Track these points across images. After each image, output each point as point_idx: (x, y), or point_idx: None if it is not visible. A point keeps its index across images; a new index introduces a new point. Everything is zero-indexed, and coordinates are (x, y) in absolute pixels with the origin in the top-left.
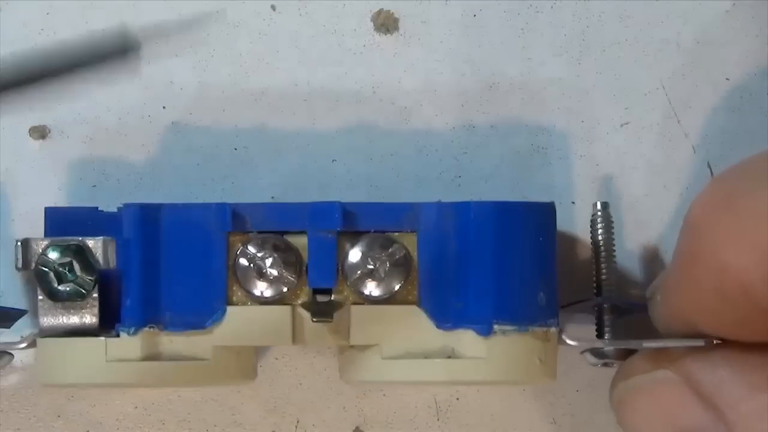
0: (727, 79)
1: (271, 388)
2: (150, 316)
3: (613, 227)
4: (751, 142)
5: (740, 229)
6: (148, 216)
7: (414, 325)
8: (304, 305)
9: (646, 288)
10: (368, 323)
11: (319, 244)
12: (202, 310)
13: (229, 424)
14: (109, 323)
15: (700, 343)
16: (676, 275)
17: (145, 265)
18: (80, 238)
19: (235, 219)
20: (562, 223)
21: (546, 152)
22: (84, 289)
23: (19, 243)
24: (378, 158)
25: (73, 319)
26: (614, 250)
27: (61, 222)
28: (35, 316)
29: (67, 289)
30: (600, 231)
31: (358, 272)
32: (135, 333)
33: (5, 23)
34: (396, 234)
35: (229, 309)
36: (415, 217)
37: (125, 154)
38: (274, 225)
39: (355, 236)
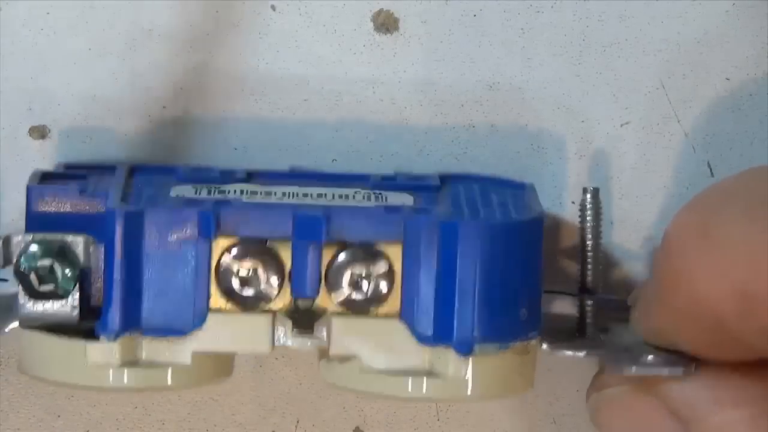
0: (727, 79)
1: (271, 388)
2: (130, 321)
3: (602, 215)
4: (751, 142)
5: (714, 261)
6: (131, 221)
7: (395, 339)
8: (285, 313)
9: (635, 287)
10: (349, 335)
11: (303, 255)
12: (182, 316)
13: (229, 424)
14: (89, 314)
15: (679, 371)
16: (653, 294)
17: (127, 272)
18: (62, 236)
19: (219, 225)
20: (560, 224)
21: (546, 152)
22: (65, 289)
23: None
24: (378, 158)
25: (54, 311)
26: (601, 240)
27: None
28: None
29: (48, 289)
30: (588, 219)
31: (342, 282)
32: (115, 339)
33: (5, 23)
34: (382, 243)
35: (210, 315)
36: (402, 229)
37: (125, 154)
38: (258, 231)
39: (341, 243)
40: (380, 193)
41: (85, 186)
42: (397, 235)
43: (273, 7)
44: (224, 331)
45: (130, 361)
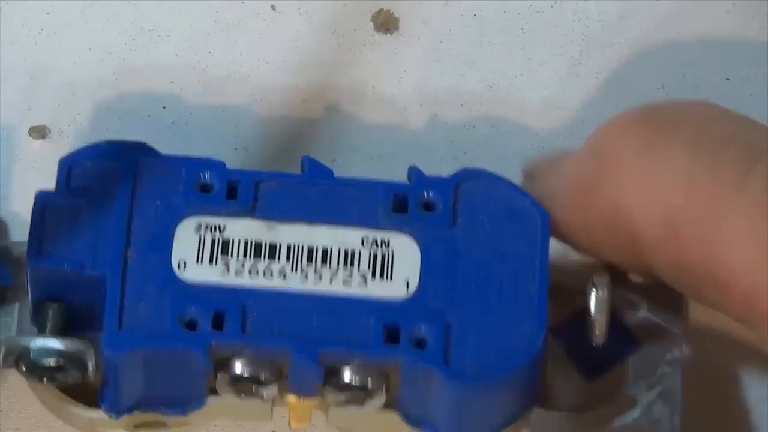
0: (727, 79)
1: None
2: (131, 406)
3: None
4: None
5: (650, 179)
6: (129, 354)
7: (389, 425)
8: (284, 397)
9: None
10: (345, 419)
11: (300, 380)
12: (183, 401)
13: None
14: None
15: None
16: (566, 184)
17: (128, 377)
18: (62, 345)
19: (216, 356)
20: None
21: (546, 152)
22: (67, 377)
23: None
24: (378, 158)
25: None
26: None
27: (45, 283)
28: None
29: (52, 381)
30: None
31: (339, 392)
32: (117, 419)
33: (5, 23)
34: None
35: (210, 398)
36: (398, 367)
37: None
38: (255, 359)
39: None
40: (385, 243)
41: (84, 257)
42: (396, 366)
43: (273, 7)
44: (224, 410)
45: (135, 425)
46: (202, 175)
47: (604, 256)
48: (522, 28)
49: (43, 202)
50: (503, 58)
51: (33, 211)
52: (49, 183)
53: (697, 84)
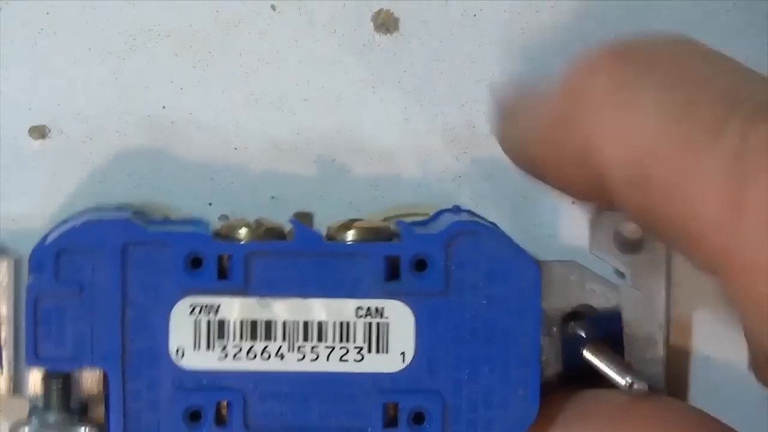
0: None
1: None
2: None
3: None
4: None
5: (622, 121)
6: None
7: None
8: None
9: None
10: None
11: None
12: None
13: None
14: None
15: None
16: (538, 124)
17: None
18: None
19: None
20: (561, 224)
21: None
22: None
23: None
24: (378, 158)
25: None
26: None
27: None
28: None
29: None
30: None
31: None
32: None
33: (5, 23)
34: None
35: None
36: None
37: (125, 154)
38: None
39: None
40: (380, 312)
41: (81, 351)
42: None
43: (273, 7)
44: None
45: None
46: (190, 251)
47: (573, 194)
48: (522, 28)
49: (34, 297)
50: (503, 58)
51: (26, 306)
52: (49, 183)
53: None
